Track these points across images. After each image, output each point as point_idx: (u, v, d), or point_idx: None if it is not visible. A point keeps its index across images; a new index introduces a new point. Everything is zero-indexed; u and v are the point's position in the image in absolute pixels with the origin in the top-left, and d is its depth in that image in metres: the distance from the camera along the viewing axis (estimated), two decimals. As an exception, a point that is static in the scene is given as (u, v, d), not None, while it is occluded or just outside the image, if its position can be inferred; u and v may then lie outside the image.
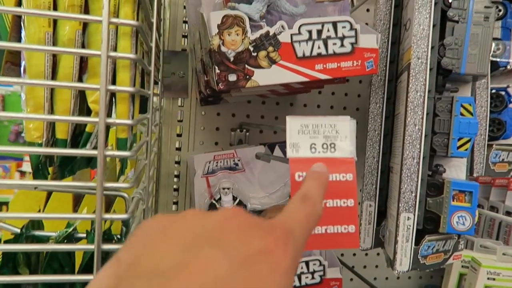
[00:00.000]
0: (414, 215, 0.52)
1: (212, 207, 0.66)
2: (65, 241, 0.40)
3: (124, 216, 0.35)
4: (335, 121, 0.42)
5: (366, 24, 0.95)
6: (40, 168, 0.36)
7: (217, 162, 0.68)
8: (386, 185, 0.63)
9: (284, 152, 0.72)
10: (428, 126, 0.53)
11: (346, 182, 0.40)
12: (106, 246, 0.35)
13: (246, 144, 0.83)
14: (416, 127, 0.52)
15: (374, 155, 0.62)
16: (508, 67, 0.65)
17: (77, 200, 0.58)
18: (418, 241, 0.53)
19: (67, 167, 0.38)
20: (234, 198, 0.66)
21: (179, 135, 0.86)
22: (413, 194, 0.52)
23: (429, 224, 0.54)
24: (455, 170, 0.58)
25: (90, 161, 0.40)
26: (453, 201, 0.53)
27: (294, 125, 0.41)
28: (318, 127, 0.41)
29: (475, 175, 0.62)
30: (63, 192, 0.49)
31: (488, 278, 0.64)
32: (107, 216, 0.34)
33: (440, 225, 0.53)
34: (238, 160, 0.69)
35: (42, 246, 0.34)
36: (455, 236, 0.57)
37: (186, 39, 0.85)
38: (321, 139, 0.41)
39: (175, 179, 0.87)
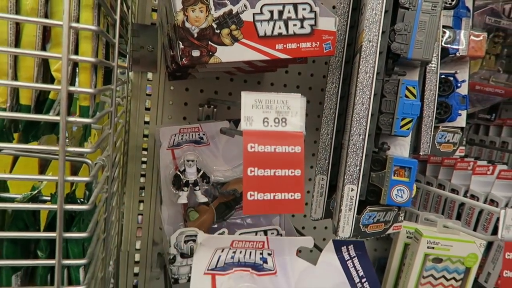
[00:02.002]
0: (358, 186, 0.57)
1: (176, 178, 0.69)
2: (30, 202, 0.42)
3: (86, 178, 0.38)
4: (287, 98, 0.45)
5: (334, 7, 0.98)
6: (5, 132, 0.38)
7: (182, 135, 0.71)
8: (338, 161, 0.67)
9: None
10: (375, 106, 0.58)
11: (294, 154, 0.44)
12: (69, 206, 0.38)
13: (213, 120, 0.86)
14: (363, 106, 0.56)
15: (328, 132, 0.67)
16: (458, 54, 0.70)
17: (43, 168, 0.60)
18: (361, 211, 0.58)
19: (31, 132, 0.40)
20: (198, 170, 0.70)
21: (147, 109, 0.88)
22: (357, 168, 0.57)
23: (372, 196, 0.59)
24: (400, 149, 0.63)
25: (54, 127, 0.42)
26: (394, 175, 0.58)
27: (248, 99, 0.44)
28: (271, 103, 0.45)
29: (421, 153, 0.68)
30: (28, 157, 0.51)
31: (428, 247, 0.70)
32: (70, 178, 0.37)
33: (381, 197, 0.58)
34: (203, 134, 0.72)
35: (9, 204, 0.36)
36: (395, 209, 0.62)
37: (156, 13, 0.86)
38: (274, 114, 0.45)
39: (144, 152, 0.89)
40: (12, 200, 0.43)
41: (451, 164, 0.88)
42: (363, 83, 0.56)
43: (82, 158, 0.44)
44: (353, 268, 0.48)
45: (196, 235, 0.65)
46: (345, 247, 0.49)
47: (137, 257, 0.94)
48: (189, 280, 0.67)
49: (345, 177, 0.57)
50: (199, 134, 0.72)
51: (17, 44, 0.38)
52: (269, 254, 0.47)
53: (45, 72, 0.40)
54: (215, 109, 0.89)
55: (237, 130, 0.70)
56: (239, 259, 0.46)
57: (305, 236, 0.50)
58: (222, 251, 0.45)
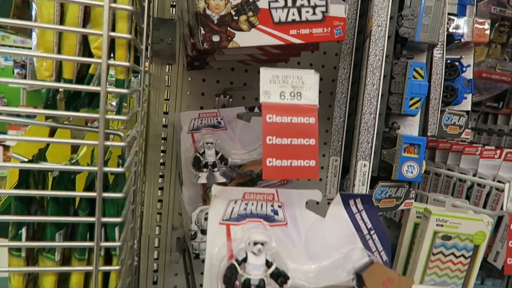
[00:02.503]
0: (370, 162, 0.60)
1: (196, 160, 0.73)
2: (67, 173, 0.47)
3: (122, 144, 0.42)
4: (301, 74, 0.49)
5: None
6: (50, 102, 0.43)
7: (201, 120, 0.75)
8: (351, 143, 0.71)
9: (262, 113, 0.79)
10: (384, 87, 0.61)
11: (309, 125, 0.48)
12: (107, 169, 0.42)
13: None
14: (374, 87, 0.60)
15: (340, 116, 0.70)
16: (462, 40, 0.73)
17: (74, 149, 0.65)
18: (373, 187, 0.62)
19: (71, 104, 0.44)
20: (217, 153, 0.74)
21: (166, 99, 0.93)
22: (369, 145, 0.60)
23: (383, 172, 0.63)
24: (409, 129, 0.67)
25: (90, 102, 0.47)
26: (404, 152, 0.61)
27: (266, 75, 0.48)
28: (287, 78, 0.49)
29: (429, 134, 0.71)
30: (63, 132, 0.55)
31: (437, 225, 0.73)
32: (108, 143, 0.41)
33: (392, 173, 0.62)
34: (221, 119, 0.76)
35: (56, 165, 0.41)
36: (406, 185, 0.66)
37: (174, 9, 0.91)
38: (289, 88, 0.49)
39: (162, 141, 0.94)
40: (52, 170, 0.47)
41: (460, 149, 0.90)
42: (373, 65, 0.60)
43: (115, 131, 0.49)
44: (361, 220, 0.50)
45: (215, 213, 0.69)
46: (352, 200, 0.50)
47: (156, 242, 0.98)
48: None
49: (358, 154, 0.60)
50: (217, 119, 0.76)
51: (61, 24, 0.42)
52: (279, 206, 0.49)
53: (84, 50, 0.45)
54: (230, 99, 0.93)
55: (253, 112, 0.74)
56: (251, 210, 0.48)
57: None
58: (235, 202, 0.48)
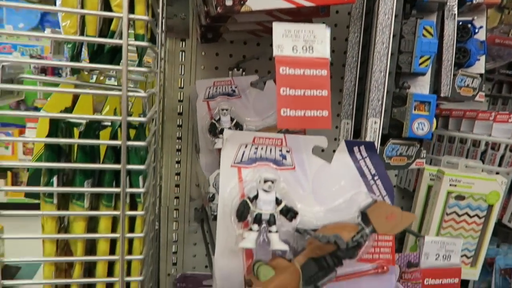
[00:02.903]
0: (380, 120, 0.62)
1: (212, 126, 0.76)
2: (95, 125, 0.50)
3: (143, 94, 0.45)
4: (313, 28, 0.51)
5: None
6: (74, 56, 0.46)
7: (216, 88, 0.77)
8: (361, 106, 0.72)
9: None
10: (394, 46, 0.62)
11: (321, 77, 0.50)
12: (131, 118, 0.45)
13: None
14: (383, 45, 0.61)
15: (351, 79, 0.72)
16: (474, 1, 0.73)
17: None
18: (384, 144, 0.63)
19: (95, 60, 0.47)
20: (232, 119, 0.76)
21: (181, 75, 0.95)
22: (380, 102, 0.61)
23: (394, 130, 0.64)
24: (420, 89, 0.68)
25: (112, 59, 0.49)
26: (414, 110, 0.63)
27: (279, 29, 0.50)
28: (299, 32, 0.50)
29: (442, 95, 0.71)
30: (85, 97, 0.58)
31: (450, 185, 0.74)
32: (131, 93, 0.44)
33: (403, 131, 0.63)
34: (235, 87, 0.78)
35: (81, 116, 0.43)
36: (417, 144, 0.67)
37: (186, -16, 0.93)
38: (301, 42, 0.50)
39: (178, 116, 0.97)
40: (79, 124, 0.50)
41: (473, 116, 0.91)
42: (382, 24, 0.61)
43: (136, 89, 0.51)
44: (365, 167, 0.52)
45: (232, 176, 0.72)
46: (356, 147, 0.52)
47: (175, 213, 1.02)
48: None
49: (368, 111, 0.62)
50: (231, 87, 0.78)
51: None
52: (287, 151, 0.51)
53: (106, 9, 0.47)
54: (244, 72, 0.95)
55: (266, 76, 0.76)
56: (261, 155, 0.50)
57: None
58: (246, 146, 0.50)
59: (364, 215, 0.49)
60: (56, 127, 0.47)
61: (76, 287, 0.50)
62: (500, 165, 0.83)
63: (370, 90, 0.62)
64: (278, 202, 0.47)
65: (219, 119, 0.76)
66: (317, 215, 0.50)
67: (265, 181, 0.47)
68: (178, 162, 1.00)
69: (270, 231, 0.47)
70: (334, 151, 0.51)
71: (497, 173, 0.80)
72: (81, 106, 0.60)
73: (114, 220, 0.50)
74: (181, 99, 0.96)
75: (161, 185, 1.00)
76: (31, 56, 3.87)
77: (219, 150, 0.79)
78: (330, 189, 0.51)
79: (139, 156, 0.49)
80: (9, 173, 3.71)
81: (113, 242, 0.50)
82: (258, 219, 0.46)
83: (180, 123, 0.98)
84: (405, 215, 0.50)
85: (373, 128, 0.62)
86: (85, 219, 0.48)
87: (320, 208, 0.50)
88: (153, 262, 0.59)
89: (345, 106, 0.72)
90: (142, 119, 0.45)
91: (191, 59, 0.95)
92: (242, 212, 0.46)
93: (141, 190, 0.47)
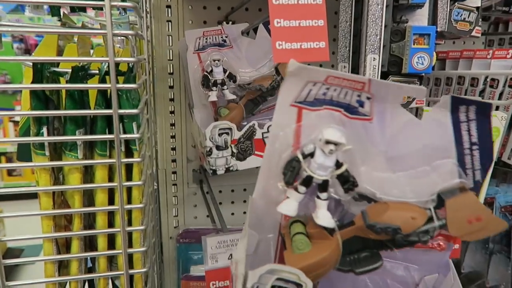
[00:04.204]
0: (379, 56, 0.59)
1: (205, 78, 0.73)
2: (81, 72, 0.47)
3: (130, 32, 0.42)
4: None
5: None
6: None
7: (206, 38, 0.74)
8: (358, 49, 0.70)
9: (268, 30, 0.77)
10: (391, -24, 0.59)
11: (316, 5, 0.47)
12: (118, 59, 0.42)
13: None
14: (380, -25, 0.58)
15: (346, 19, 0.69)
16: None
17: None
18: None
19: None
20: (225, 71, 0.74)
21: (169, 35, 0.91)
22: (378, 37, 0.59)
23: (393, 67, 0.62)
24: (418, 23, 0.65)
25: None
26: (413, 44, 0.60)
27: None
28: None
29: (438, 29, 0.69)
30: (75, 33, 0.55)
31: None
32: (116, 31, 0.41)
33: (403, 67, 0.61)
34: (226, 37, 0.75)
35: (67, 58, 0.41)
36: (417, 81, 0.65)
37: None
38: (293, -29, 0.47)
39: (169, 76, 0.93)
40: (64, 73, 0.48)
41: (471, 56, 0.89)
42: (377, -47, 0.58)
43: (123, 31, 0.49)
44: (466, 131, 0.40)
45: (229, 128, 0.70)
46: (464, 106, 0.39)
47: (173, 177, 1.00)
48: (227, 171, 0.72)
49: (366, 48, 0.60)
50: (221, 37, 0.75)
51: None
52: (368, 98, 0.39)
53: None
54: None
55: (257, 21, 0.73)
56: (332, 97, 0.39)
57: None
58: (314, 85, 0.39)
59: (440, 202, 0.39)
60: (41, 75, 0.45)
61: (77, 245, 0.49)
62: (497, 107, 0.82)
63: (367, 25, 0.59)
64: (338, 165, 0.38)
65: (211, 70, 0.73)
66: (382, 183, 0.40)
67: (327, 142, 0.37)
68: (172, 124, 0.97)
69: (318, 197, 0.39)
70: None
71: (497, 108, 0.79)
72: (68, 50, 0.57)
73: (111, 171, 0.48)
74: (171, 58, 0.93)
75: (157, 149, 0.98)
76: (13, 37, 3.76)
77: (214, 103, 0.77)
78: (409, 151, 0.40)
79: (131, 102, 0.46)
80: (3, 158, 3.67)
81: (111, 194, 0.49)
82: (307, 181, 0.38)
83: (172, 84, 0.95)
84: (494, 221, 0.38)
85: (372, 65, 0.59)
86: (80, 170, 0.47)
87: (389, 175, 0.40)
88: (154, 217, 0.57)
89: (341, 49, 0.70)
90: (130, 59, 0.42)
91: (178, 14, 0.91)
92: (291, 173, 0.38)
93: (135, 135, 0.45)
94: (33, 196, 0.46)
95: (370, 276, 0.42)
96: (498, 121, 0.73)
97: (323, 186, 0.38)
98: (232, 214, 1.06)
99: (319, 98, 0.40)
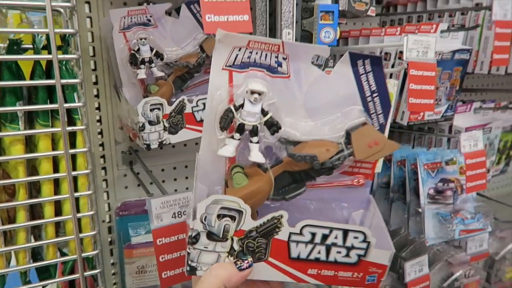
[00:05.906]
0: (293, 30, 0.68)
1: (133, 57, 0.76)
2: (15, 47, 0.48)
3: (68, 3, 0.45)
4: None
5: None
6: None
7: (131, 18, 0.76)
8: (274, 26, 0.78)
9: (190, 10, 0.82)
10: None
11: (238, -17, 0.54)
12: (58, 30, 0.44)
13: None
14: (290, -41, 0.66)
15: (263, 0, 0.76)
16: None
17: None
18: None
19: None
20: (151, 49, 0.77)
21: (88, 16, 0.90)
22: (291, 14, 0.68)
23: (305, 40, 0.71)
24: (323, 2, 0.75)
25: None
26: (320, 20, 0.70)
27: None
28: None
29: (340, 9, 0.80)
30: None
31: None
32: (54, 3, 0.43)
33: (313, 40, 0.71)
34: (150, 16, 0.78)
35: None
36: (330, 59, 0.75)
37: None
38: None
39: (91, 58, 0.92)
40: None
41: (368, 34, 1.03)
42: None
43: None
44: (366, 82, 0.48)
45: (160, 104, 0.74)
46: (361, 61, 0.48)
47: (102, 160, 1.00)
48: (160, 145, 0.76)
49: (282, 23, 0.68)
50: (146, 16, 0.77)
51: None
52: (284, 59, 0.47)
53: None
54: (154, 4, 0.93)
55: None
56: (255, 59, 0.47)
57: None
58: (239, 50, 0.46)
59: (348, 136, 0.48)
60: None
61: (23, 216, 0.50)
62: (390, 75, 0.97)
63: (281, 3, 0.67)
64: (264, 113, 0.46)
65: (138, 49, 0.76)
66: (303, 128, 0.48)
67: (252, 92, 0.45)
68: (97, 108, 0.97)
69: (251, 141, 0.47)
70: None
71: (390, 76, 0.93)
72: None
73: (53, 142, 0.50)
74: (91, 40, 0.92)
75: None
76: None
77: (142, 81, 0.79)
78: (324, 101, 0.49)
79: (71, 74, 0.48)
80: None
81: (55, 165, 0.51)
82: (240, 129, 0.46)
83: (94, 67, 0.94)
84: (389, 144, 0.48)
85: (287, 39, 0.68)
86: (22, 142, 0.48)
87: (309, 122, 0.49)
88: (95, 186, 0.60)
89: (259, 26, 0.77)
90: (69, 30, 0.45)
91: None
92: (225, 120, 0.46)
93: (79, 104, 0.47)
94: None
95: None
96: (391, 87, 0.87)
97: (254, 131, 0.46)
98: (175, 190, 1.09)
99: (245, 62, 0.47)
